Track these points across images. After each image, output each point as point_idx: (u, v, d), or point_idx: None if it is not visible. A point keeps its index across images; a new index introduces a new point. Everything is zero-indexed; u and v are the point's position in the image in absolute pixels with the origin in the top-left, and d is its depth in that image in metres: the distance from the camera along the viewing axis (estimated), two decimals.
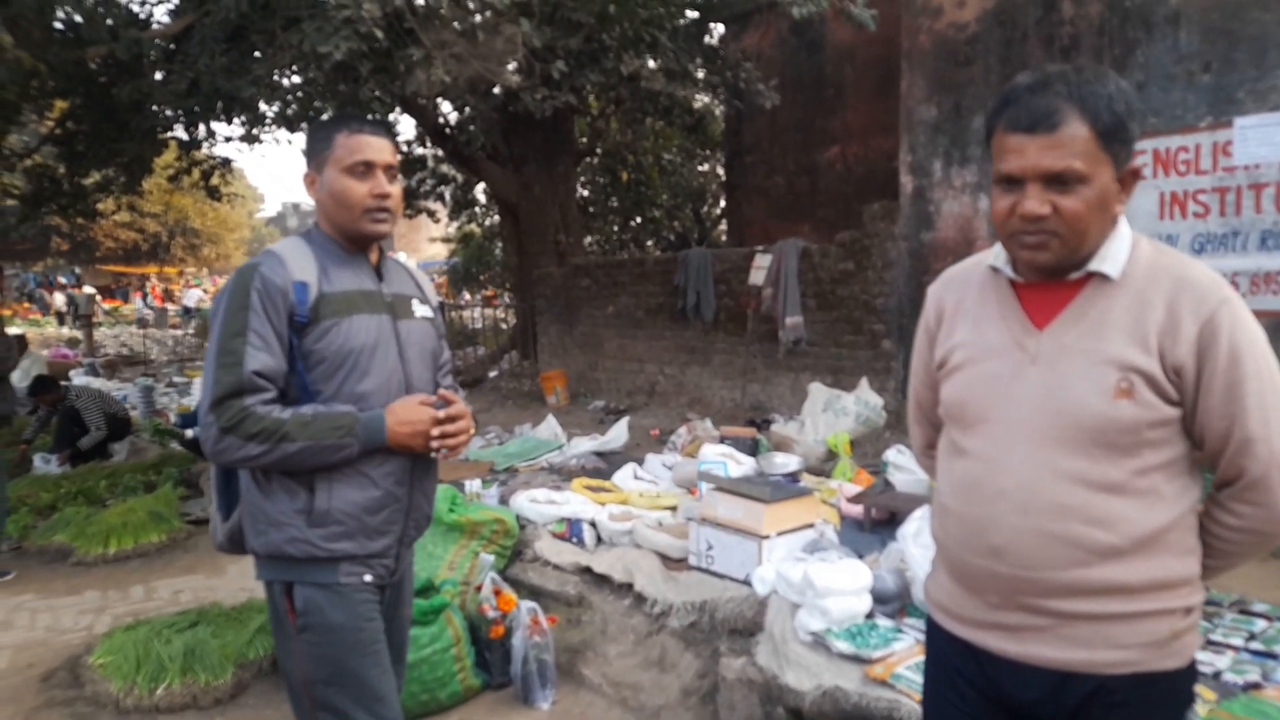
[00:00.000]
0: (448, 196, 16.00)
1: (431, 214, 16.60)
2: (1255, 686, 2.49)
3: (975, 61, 6.26)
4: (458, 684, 3.46)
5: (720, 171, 17.95)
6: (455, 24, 4.80)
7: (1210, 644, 2.77)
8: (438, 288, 26.95)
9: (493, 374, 11.90)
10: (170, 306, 27.67)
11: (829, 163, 9.05)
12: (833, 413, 5.17)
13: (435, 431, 1.93)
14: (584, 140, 13.88)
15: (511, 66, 5.60)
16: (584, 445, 6.42)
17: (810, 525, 3.47)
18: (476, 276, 20.15)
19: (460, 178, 15.59)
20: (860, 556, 3.38)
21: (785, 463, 4.66)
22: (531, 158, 11.29)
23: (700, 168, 18.48)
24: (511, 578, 3.99)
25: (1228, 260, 5.13)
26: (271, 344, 1.82)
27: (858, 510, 4.26)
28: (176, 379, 13.43)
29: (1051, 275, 1.40)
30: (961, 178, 6.35)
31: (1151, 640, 1.35)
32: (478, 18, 4.89)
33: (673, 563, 3.74)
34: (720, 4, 8.89)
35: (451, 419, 1.96)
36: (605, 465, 6.04)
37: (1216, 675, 2.57)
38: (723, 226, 19.45)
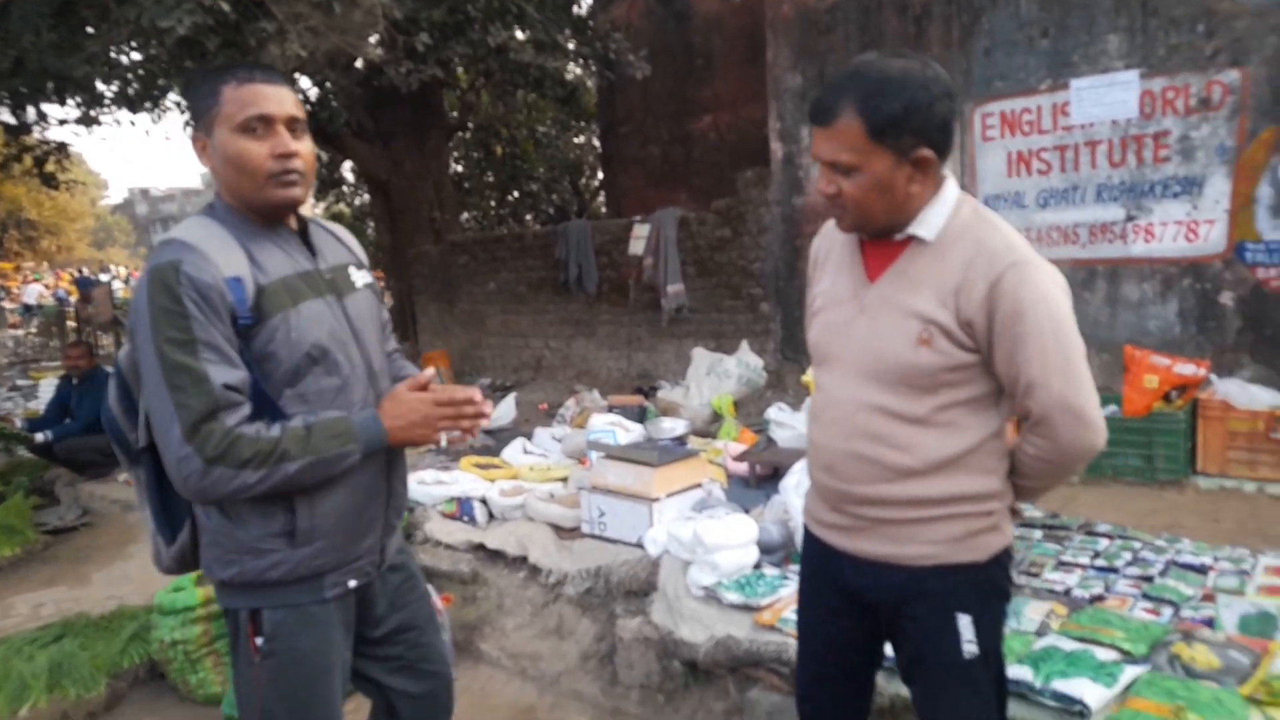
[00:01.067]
0: None
1: None
2: (1099, 599, 2.73)
3: (836, 30, 6.45)
4: None
5: (596, 143, 17.95)
6: None
7: (1061, 564, 3.02)
8: None
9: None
10: (8, 305, 25.52)
11: (702, 132, 9.16)
12: (716, 376, 5.29)
13: (441, 414, 1.69)
14: (455, 114, 13.54)
15: (373, 39, 5.39)
16: None
17: (698, 485, 3.56)
18: None
19: (324, 157, 14.95)
20: (747, 511, 3.49)
21: (672, 427, 4.74)
22: (400, 133, 10.94)
23: (575, 140, 18.36)
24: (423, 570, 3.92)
25: (1068, 213, 5.51)
26: (227, 352, 1.54)
27: (743, 468, 4.38)
28: (20, 381, 12.43)
29: (882, 235, 1.60)
30: None
31: (949, 538, 1.59)
32: None
33: (566, 532, 3.77)
34: None
35: (453, 401, 1.71)
36: (494, 442, 6.00)
37: (1067, 592, 2.80)
38: (602, 198, 19.52)
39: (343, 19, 4.82)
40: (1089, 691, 2.10)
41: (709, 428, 5.11)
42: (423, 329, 10.30)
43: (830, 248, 1.76)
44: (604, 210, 17.59)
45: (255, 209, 1.66)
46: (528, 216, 18.17)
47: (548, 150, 17.53)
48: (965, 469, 1.58)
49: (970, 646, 1.60)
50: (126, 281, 28.91)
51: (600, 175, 18.39)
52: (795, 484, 3.20)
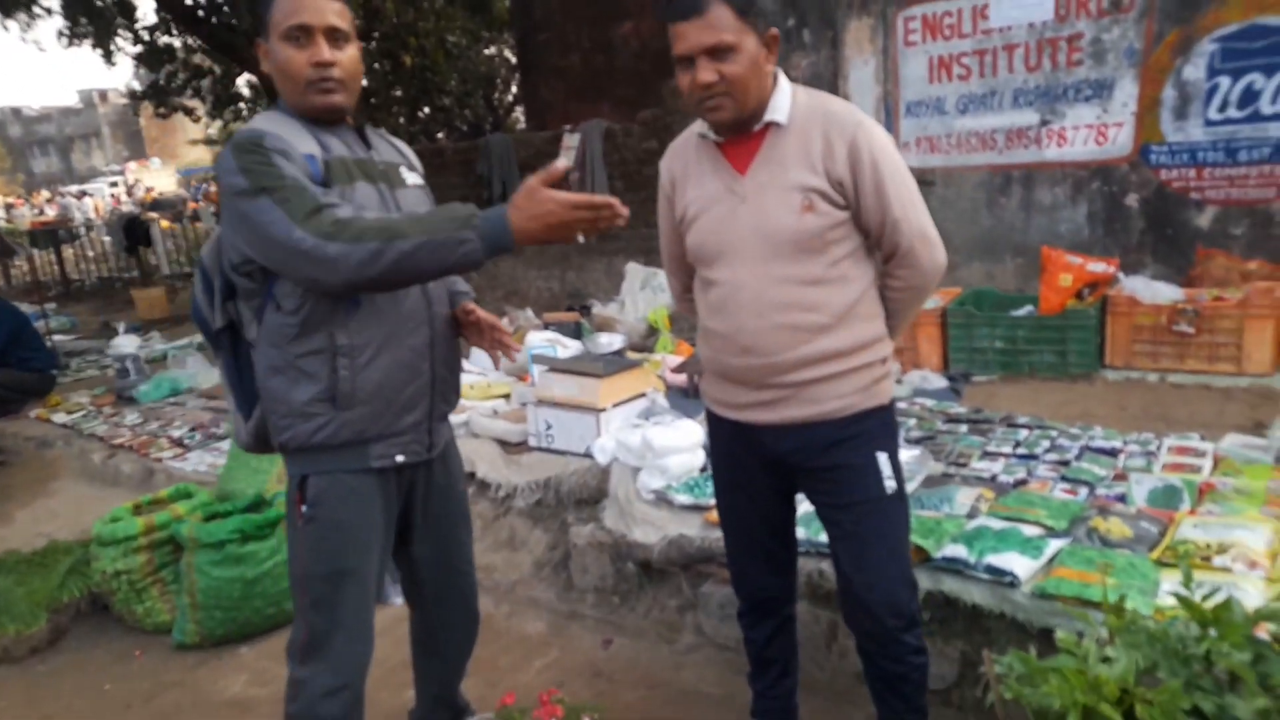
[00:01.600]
0: (205, 92, 14.37)
1: (189, 112, 14.95)
2: (1022, 483, 2.93)
3: None
4: None
5: (510, 55, 17.31)
6: None
7: (986, 454, 3.22)
8: (209, 197, 24.54)
9: (192, 302, 11.17)
10: None
11: (624, 39, 8.94)
12: (650, 290, 5.33)
13: (579, 217, 1.61)
14: (359, 22, 12.85)
15: None
16: None
17: (643, 395, 3.63)
18: None
19: (218, 69, 14.04)
20: (690, 418, 3.59)
21: (610, 342, 4.79)
22: None
23: (487, 51, 17.66)
24: None
25: (987, 119, 5.64)
26: (311, 186, 1.66)
27: (682, 379, 4.47)
28: None
29: (739, 131, 1.79)
30: None
31: (861, 387, 1.83)
32: None
33: (512, 447, 3.81)
34: None
35: (591, 204, 1.64)
36: None
37: (993, 478, 2.99)
38: (517, 113, 18.95)
39: None
40: (1018, 563, 2.28)
41: (645, 342, 5.17)
42: None
43: (682, 164, 1.91)
44: (520, 124, 17.18)
45: (303, 112, 1.78)
46: (439, 134, 17.56)
47: (459, 62, 16.81)
48: (860, 317, 1.82)
49: (890, 481, 1.86)
50: (8, 210, 27.02)
51: (515, 89, 17.89)
52: None
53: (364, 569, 1.87)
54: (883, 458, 1.86)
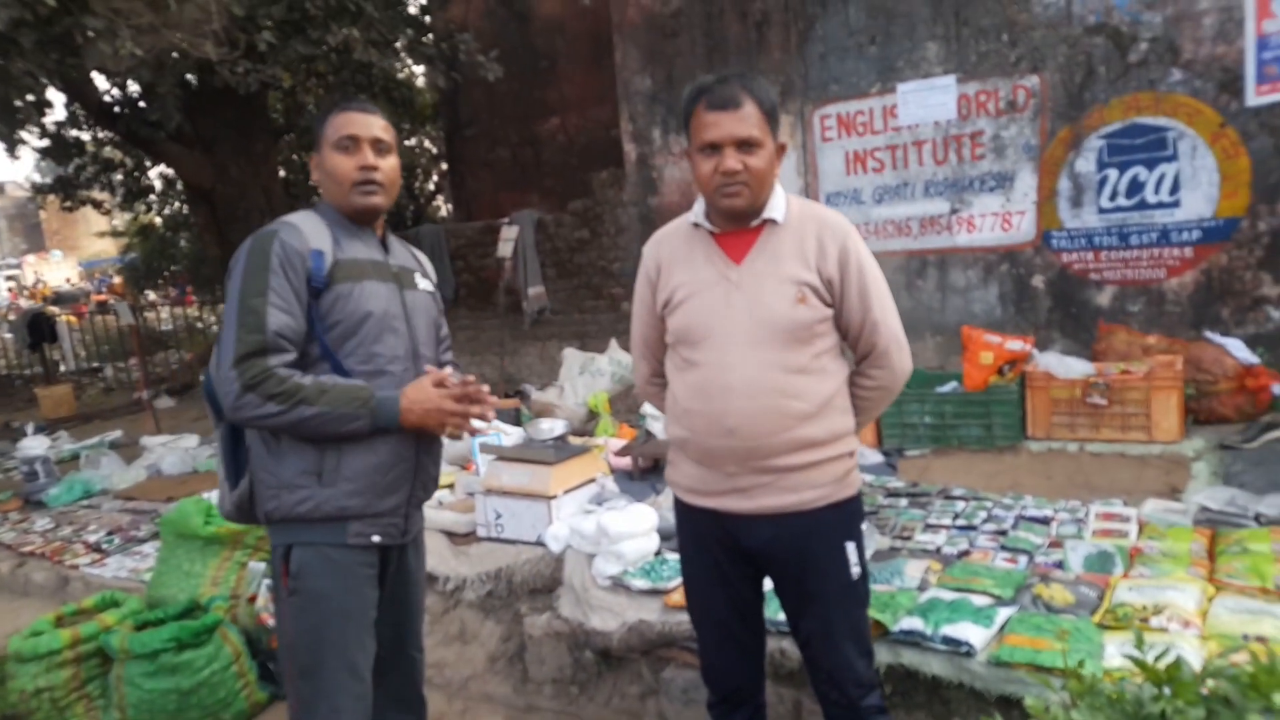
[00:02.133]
0: (115, 185, 14.09)
1: (97, 205, 14.60)
2: (965, 554, 3.04)
3: (681, 34, 6.69)
4: (243, 701, 3.25)
5: (429, 145, 17.59)
6: None
7: (928, 526, 3.33)
8: (114, 290, 23.68)
9: (204, 377, 10.88)
10: None
11: (550, 133, 9.22)
12: (589, 375, 5.39)
13: (451, 410, 1.96)
14: (278, 117, 12.90)
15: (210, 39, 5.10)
16: None
17: (592, 480, 3.65)
18: (160, 273, 18.04)
19: (129, 162, 13.82)
20: (638, 501, 3.62)
21: (552, 427, 4.77)
22: (224, 137, 10.32)
23: (407, 143, 17.88)
24: None
25: (901, 208, 6.00)
26: (292, 305, 1.87)
27: (626, 462, 4.52)
28: None
29: (738, 223, 1.91)
30: (679, 144, 6.79)
31: (836, 478, 1.91)
32: None
33: (460, 538, 3.76)
34: None
35: (468, 397, 1.99)
36: None
37: (938, 550, 3.10)
38: (437, 202, 19.18)
39: (177, 14, 4.54)
40: (972, 633, 2.36)
41: (586, 426, 5.20)
42: None
43: (671, 250, 2.02)
44: (443, 215, 17.33)
45: (345, 212, 2.01)
46: None
47: None
48: (836, 409, 1.92)
49: (856, 568, 1.95)
50: None
51: (435, 178, 18.14)
52: None
53: (347, 639, 1.96)
54: (850, 547, 1.94)
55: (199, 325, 13.44)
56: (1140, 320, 5.22)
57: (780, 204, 1.92)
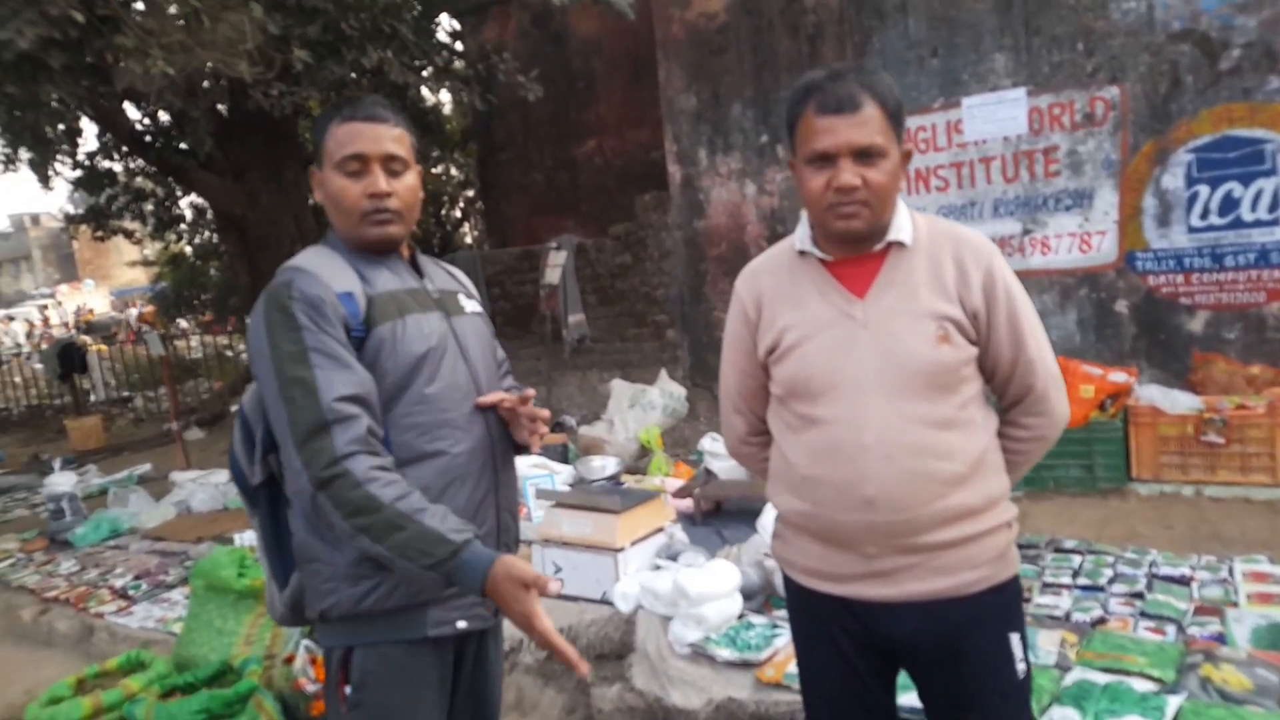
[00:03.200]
0: (147, 214, 14.07)
1: (129, 234, 14.58)
2: (1101, 621, 2.66)
3: (728, 50, 6.42)
4: None
5: (455, 172, 17.50)
6: (172, 8, 4.05)
7: (1046, 586, 2.96)
8: (144, 318, 23.75)
9: (235, 408, 10.74)
10: None
11: (587, 156, 8.96)
12: (640, 408, 5.07)
13: (531, 630, 1.48)
14: (308, 144, 12.82)
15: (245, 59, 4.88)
16: None
17: (660, 529, 3.31)
18: (191, 301, 18.04)
19: (160, 192, 13.78)
20: (712, 554, 3.28)
21: (604, 465, 4.46)
22: (254, 165, 10.19)
23: (433, 170, 17.81)
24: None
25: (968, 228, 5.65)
26: (342, 358, 1.51)
27: (685, 504, 4.17)
28: None
29: (857, 249, 1.58)
30: (727, 165, 6.50)
31: (996, 554, 1.56)
32: (198, 0, 4.16)
33: None
34: None
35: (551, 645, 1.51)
36: None
37: (1067, 616, 2.72)
38: (464, 229, 19.08)
39: (210, 32, 4.32)
40: None
41: (638, 463, 4.87)
42: None
43: (770, 284, 1.68)
44: (470, 241, 17.22)
45: (354, 243, 1.66)
46: None
47: None
48: (990, 469, 1.57)
49: (1021, 665, 1.59)
50: None
51: (462, 204, 18.07)
52: (772, 522, 2.99)
53: None
54: (1015, 639, 1.58)
55: (229, 354, 13.30)
56: (1238, 348, 4.82)
57: (906, 222, 1.58)
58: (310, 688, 3.09)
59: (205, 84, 5.77)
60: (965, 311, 1.53)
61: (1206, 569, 2.89)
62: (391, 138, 1.63)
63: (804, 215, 1.68)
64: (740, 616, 2.85)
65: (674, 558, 3.14)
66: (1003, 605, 1.59)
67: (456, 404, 1.64)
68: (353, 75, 6.27)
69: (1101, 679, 2.22)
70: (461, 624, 1.63)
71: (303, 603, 1.66)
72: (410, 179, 1.66)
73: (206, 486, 6.39)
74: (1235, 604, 2.59)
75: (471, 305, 1.81)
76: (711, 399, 6.63)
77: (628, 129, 8.67)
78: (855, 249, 1.58)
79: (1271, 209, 4.70)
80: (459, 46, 10.27)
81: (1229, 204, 4.81)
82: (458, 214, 18.80)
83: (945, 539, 1.52)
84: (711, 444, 4.63)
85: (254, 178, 10.25)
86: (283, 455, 1.53)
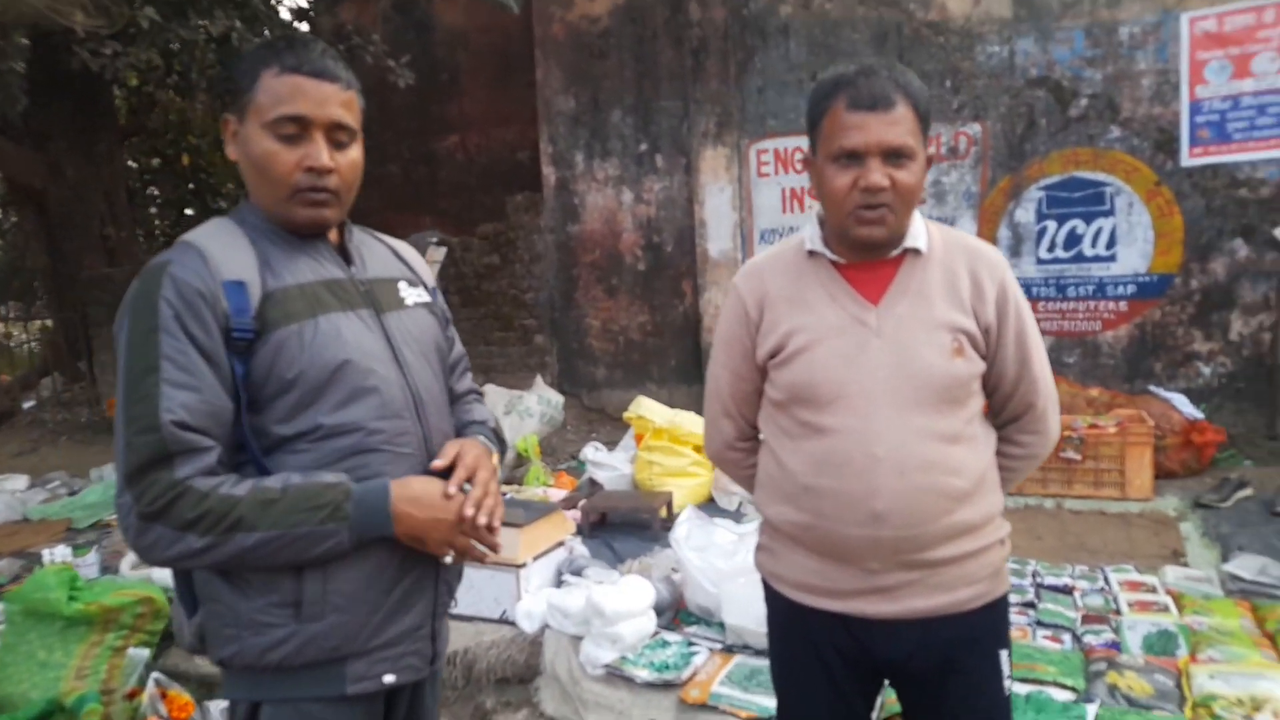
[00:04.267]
0: None
1: None
2: None
3: (609, 55, 6.34)
4: None
5: None
6: None
7: None
8: None
9: (28, 404, 9.51)
10: None
11: (449, 152, 8.59)
12: (516, 415, 4.86)
13: (451, 527, 1.35)
14: (124, 116, 11.64)
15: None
16: None
17: (561, 543, 3.15)
18: None
19: None
20: (610, 566, 3.15)
21: None
22: (60, 133, 9.14)
23: None
24: (172, 671, 3.04)
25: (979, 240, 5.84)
26: (198, 372, 1.25)
27: (572, 516, 4.02)
28: None
29: (872, 254, 1.53)
30: (604, 170, 6.40)
31: (992, 571, 1.55)
32: None
33: None
34: None
35: (480, 503, 1.37)
36: None
37: None
38: None
39: None
40: None
41: (515, 473, 4.66)
42: (104, 369, 8.57)
43: (774, 287, 1.60)
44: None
45: (277, 221, 1.39)
46: None
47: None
48: (989, 485, 1.55)
49: (1009, 682, 1.58)
50: None
51: None
52: (685, 535, 2.91)
53: None
54: (1004, 655, 1.57)
55: (23, 343, 11.85)
56: (1076, 372, 5.24)
57: (921, 230, 1.54)
58: None
59: (22, 38, 5.03)
60: (979, 325, 1.51)
61: (1084, 579, 3.06)
62: (340, 101, 1.36)
63: (813, 214, 1.61)
64: (654, 635, 2.74)
65: (577, 573, 2.99)
66: (995, 622, 1.58)
67: (384, 427, 1.36)
68: (199, 38, 5.67)
69: (1022, 689, 2.27)
70: (389, 678, 1.39)
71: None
72: (355, 153, 1.40)
73: (1, 494, 5.57)
74: (1118, 612, 2.75)
75: (415, 295, 1.53)
76: (581, 408, 6.49)
77: (493, 126, 8.40)
78: (870, 254, 1.53)
79: (1109, 245, 5.14)
80: (305, 27, 9.64)
81: (1073, 239, 5.23)
82: None
83: (947, 555, 1.49)
84: (594, 453, 4.51)
85: (59, 148, 9.21)
86: (117, 479, 1.26)
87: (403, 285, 1.52)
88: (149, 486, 1.20)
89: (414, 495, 1.32)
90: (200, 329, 1.25)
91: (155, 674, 2.84)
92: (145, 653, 2.98)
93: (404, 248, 1.63)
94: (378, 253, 1.54)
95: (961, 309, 1.50)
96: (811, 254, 1.57)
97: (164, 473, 1.20)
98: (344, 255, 1.45)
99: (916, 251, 1.53)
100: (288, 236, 1.39)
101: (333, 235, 1.45)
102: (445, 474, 1.39)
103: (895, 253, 1.53)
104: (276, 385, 1.29)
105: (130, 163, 14.42)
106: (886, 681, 1.66)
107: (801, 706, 1.64)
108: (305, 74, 1.33)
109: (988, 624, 1.56)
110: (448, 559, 1.39)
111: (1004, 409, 1.59)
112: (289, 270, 1.35)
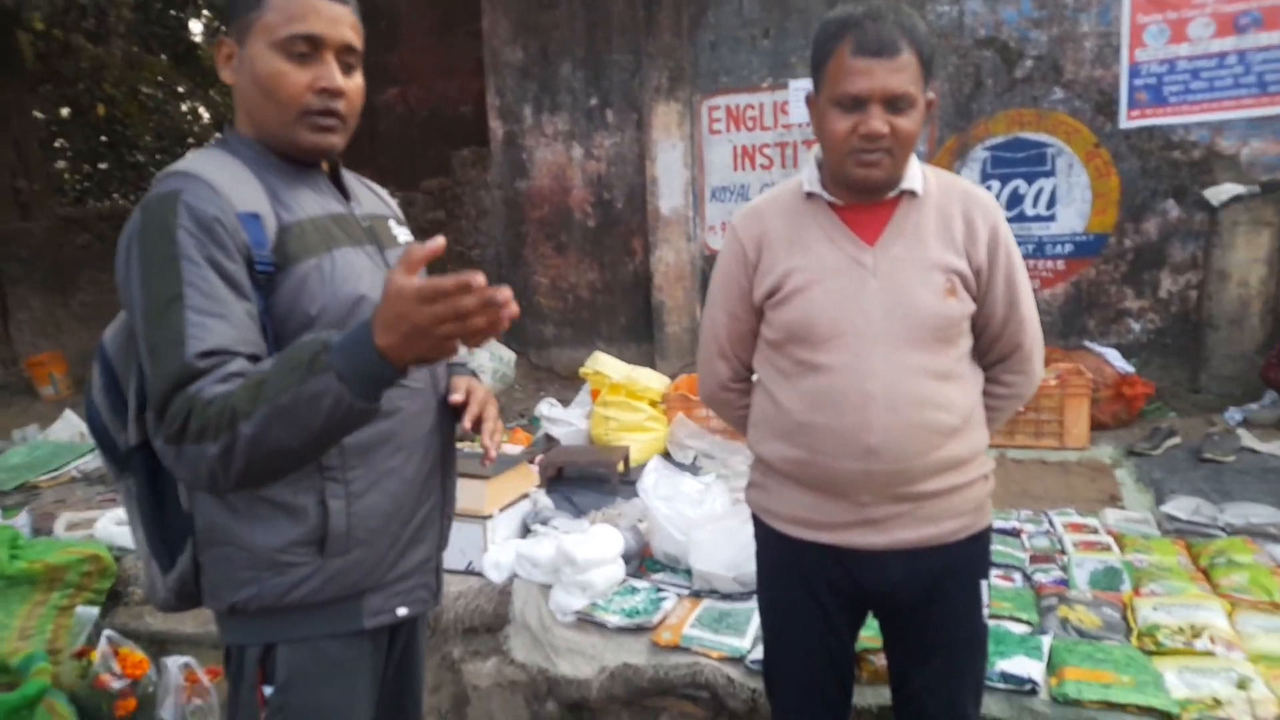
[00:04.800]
0: None
1: None
2: None
3: (559, 5, 6.21)
4: None
5: (202, 111, 15.81)
6: None
7: None
8: None
9: (87, 401, 9.05)
10: None
11: (388, 105, 8.35)
12: None
13: (433, 316, 1.05)
14: (32, 61, 10.98)
15: None
16: None
17: (526, 495, 3.14)
18: None
19: None
20: (575, 517, 3.16)
21: None
22: None
23: (184, 106, 15.97)
24: (122, 629, 2.96)
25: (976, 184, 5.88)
26: (225, 303, 1.19)
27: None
28: None
29: (869, 196, 1.56)
30: (554, 125, 6.31)
31: (976, 505, 1.62)
32: None
33: None
34: None
35: (440, 292, 1.06)
36: None
37: None
38: None
39: None
40: (1031, 667, 2.14)
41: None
42: (20, 327, 8.19)
43: (775, 226, 1.63)
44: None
45: (278, 146, 1.35)
46: (115, 195, 15.49)
47: (154, 115, 15.10)
48: (975, 422, 1.61)
49: (987, 610, 1.66)
50: None
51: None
52: (653, 485, 2.93)
53: None
54: (984, 585, 1.67)
55: None
56: None
57: (917, 172, 1.59)
58: (116, 684, 2.64)
59: None
60: (970, 266, 1.56)
61: (1030, 522, 3.19)
62: (350, 24, 1.35)
63: (811, 156, 1.64)
64: (621, 582, 2.77)
65: (544, 523, 2.99)
66: (977, 554, 1.66)
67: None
68: None
69: None
70: (402, 610, 1.44)
71: (195, 588, 1.39)
72: (360, 79, 1.39)
73: None
74: (1064, 552, 2.87)
75: (404, 234, 1.56)
76: (529, 365, 6.45)
77: (435, 79, 8.19)
78: (867, 196, 1.57)
79: (1049, 206, 5.29)
80: None
81: (1015, 199, 5.36)
82: None
83: (934, 488, 1.56)
84: (549, 409, 4.50)
85: None
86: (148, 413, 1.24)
87: (393, 224, 1.54)
88: (175, 411, 1.16)
89: (388, 315, 1.07)
90: (225, 257, 1.21)
91: (107, 632, 2.76)
92: (94, 611, 2.90)
93: (380, 189, 1.64)
94: (364, 190, 1.56)
95: (955, 250, 1.55)
96: (809, 196, 1.61)
97: (184, 398, 1.16)
98: (340, 189, 1.45)
99: (913, 194, 1.57)
100: (285, 167, 1.36)
101: (325, 168, 1.43)
102: (460, 411, 1.45)
103: (892, 194, 1.56)
104: (299, 320, 1.27)
105: (36, 113, 13.68)
106: (872, 616, 1.73)
107: (793, 635, 1.70)
108: None
109: (970, 555, 1.64)
110: (463, 350, 1.24)
111: (992, 349, 1.65)
112: (296, 203, 1.33)
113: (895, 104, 1.46)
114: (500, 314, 1.07)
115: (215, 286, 1.19)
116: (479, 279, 1.04)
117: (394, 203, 1.65)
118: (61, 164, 14.82)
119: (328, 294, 1.29)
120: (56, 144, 14.43)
